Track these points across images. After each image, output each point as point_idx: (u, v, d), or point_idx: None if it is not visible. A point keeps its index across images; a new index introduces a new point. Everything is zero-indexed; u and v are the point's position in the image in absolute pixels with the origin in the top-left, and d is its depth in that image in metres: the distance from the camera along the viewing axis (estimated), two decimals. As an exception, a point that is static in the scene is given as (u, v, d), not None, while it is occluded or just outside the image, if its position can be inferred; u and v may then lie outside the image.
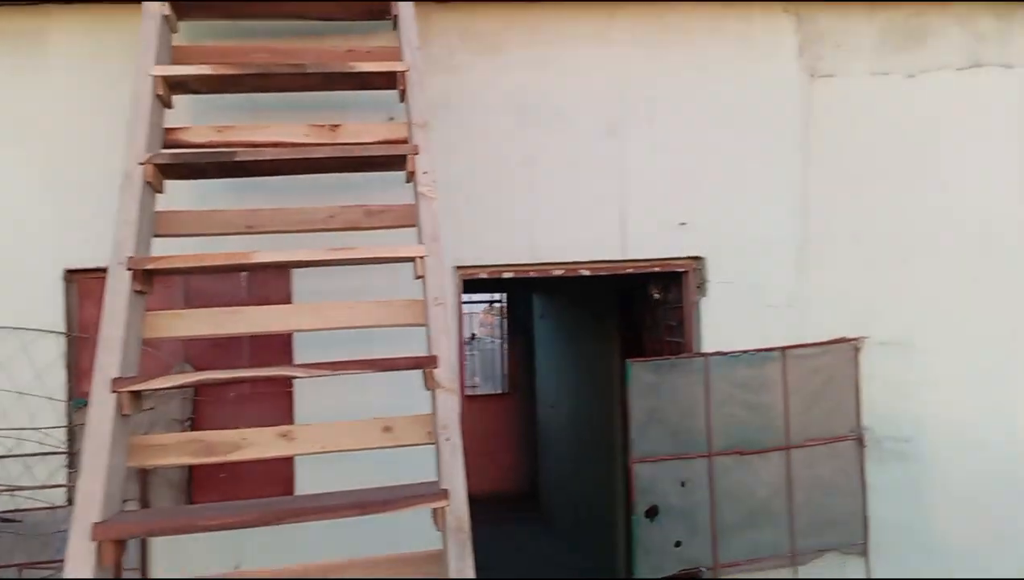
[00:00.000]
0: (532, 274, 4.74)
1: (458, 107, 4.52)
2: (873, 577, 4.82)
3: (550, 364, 10.51)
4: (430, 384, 2.90)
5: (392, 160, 3.27)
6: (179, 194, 3.43)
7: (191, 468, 4.15)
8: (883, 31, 4.88)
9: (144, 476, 4.14)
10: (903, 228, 4.89)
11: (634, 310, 6.84)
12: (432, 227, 3.10)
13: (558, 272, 4.75)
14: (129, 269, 2.78)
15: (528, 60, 4.60)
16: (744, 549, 4.67)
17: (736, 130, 4.78)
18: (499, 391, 12.82)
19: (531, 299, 11.52)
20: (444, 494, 2.71)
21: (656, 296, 5.54)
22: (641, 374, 4.58)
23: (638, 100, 4.70)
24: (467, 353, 16.73)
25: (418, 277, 3.10)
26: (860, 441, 4.84)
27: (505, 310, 12.66)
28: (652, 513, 4.58)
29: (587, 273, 4.79)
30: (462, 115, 4.53)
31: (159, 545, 4.11)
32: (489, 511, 11.06)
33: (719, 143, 4.77)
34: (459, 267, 4.56)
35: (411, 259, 3.08)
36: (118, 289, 2.75)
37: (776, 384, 4.74)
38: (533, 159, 4.62)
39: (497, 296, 12.72)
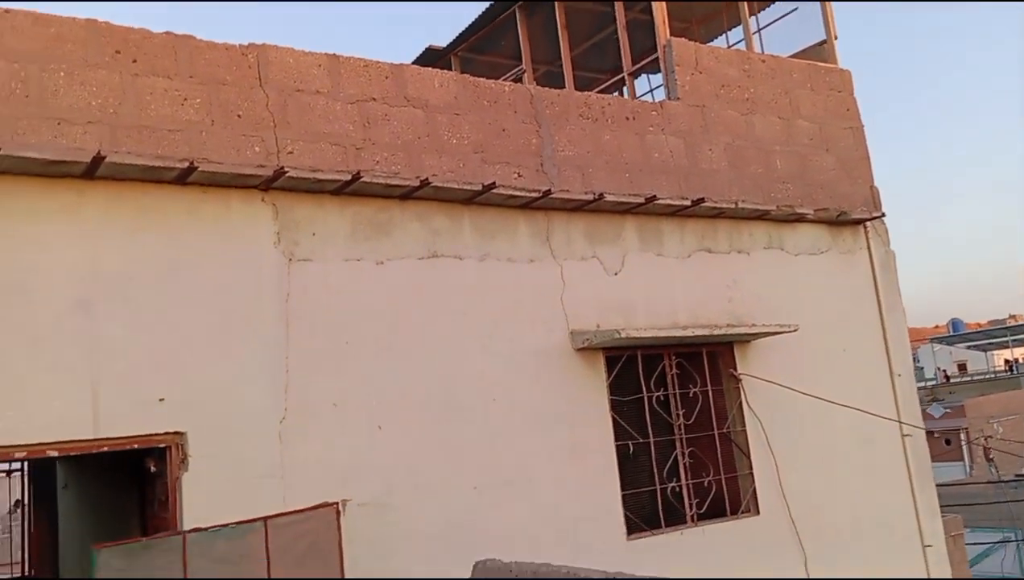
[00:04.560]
0: (-13, 460, 4.38)
1: None
2: None
3: (74, 541, 9.46)
4: None
5: None
6: None
7: None
8: (354, 222, 5.57)
9: None
10: (376, 397, 5.44)
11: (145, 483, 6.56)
12: None
13: (20, 455, 4.49)
14: None
15: (-16, 233, 4.42)
16: None
17: (218, 308, 5.02)
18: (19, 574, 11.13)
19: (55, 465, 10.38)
20: None
21: (152, 469, 5.41)
22: (110, 560, 4.38)
23: (114, 276, 4.73)
24: (14, 522, 14.40)
25: None
26: (341, 603, 5.09)
27: (27, 478, 11.21)
28: None
29: (56, 454, 4.58)
30: None
31: None
32: None
33: (201, 320, 4.95)
34: None
35: None
36: None
37: (259, 555, 4.83)
38: (-12, 335, 4.36)
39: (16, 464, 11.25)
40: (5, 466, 11.47)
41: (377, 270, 5.60)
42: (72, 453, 4.59)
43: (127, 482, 7.74)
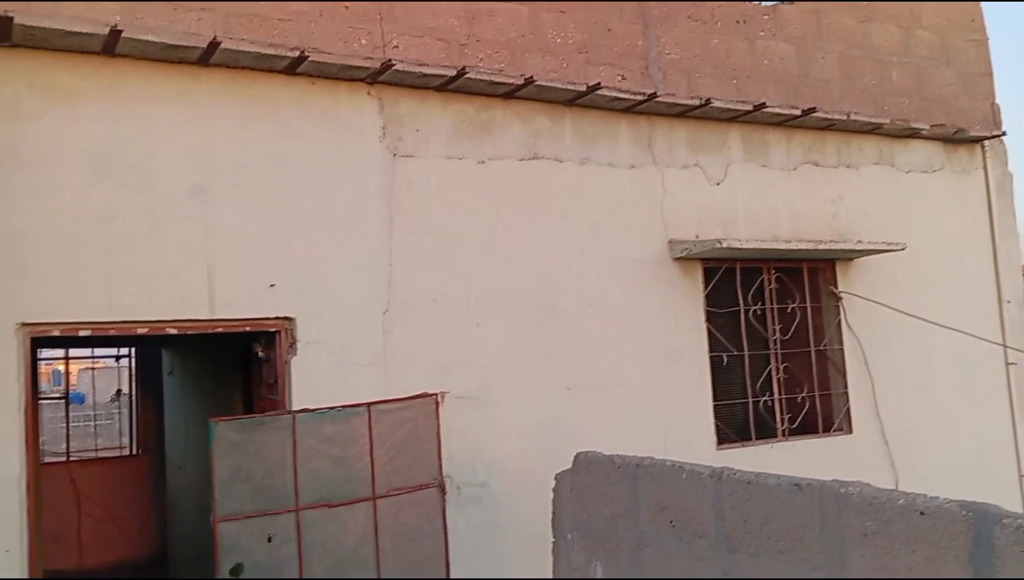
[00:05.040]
0: (113, 332, 4.62)
1: (24, 156, 4.33)
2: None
3: (178, 422, 10.06)
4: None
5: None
6: None
7: None
8: (457, 120, 5.54)
9: None
10: (475, 295, 5.51)
11: (250, 368, 6.86)
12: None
13: (142, 330, 4.68)
14: None
15: (107, 115, 4.55)
16: (333, 599, 4.85)
17: (325, 199, 5.11)
18: (127, 453, 11.93)
19: (160, 353, 10.98)
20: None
21: (260, 354, 5.64)
22: (226, 433, 4.61)
23: (226, 163, 4.84)
24: (115, 410, 15.34)
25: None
26: (441, 488, 5.27)
27: (134, 365, 11.89)
28: (237, 571, 4.58)
29: (175, 332, 4.77)
30: (29, 165, 4.34)
31: None
32: None
33: (308, 210, 5.05)
34: (25, 324, 4.32)
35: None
36: None
37: (362, 438, 5.01)
38: (113, 214, 4.55)
39: (124, 350, 11.92)
40: (114, 352, 12.18)
41: (478, 169, 5.59)
42: (189, 332, 4.79)
43: (230, 368, 8.12)
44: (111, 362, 13.68)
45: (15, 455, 4.29)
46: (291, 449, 4.77)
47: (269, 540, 4.70)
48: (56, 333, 4.48)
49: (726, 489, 3.19)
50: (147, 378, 11.59)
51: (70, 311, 4.47)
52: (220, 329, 4.86)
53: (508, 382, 5.57)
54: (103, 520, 11.00)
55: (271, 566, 4.68)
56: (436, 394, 5.29)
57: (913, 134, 7.38)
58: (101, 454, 12.89)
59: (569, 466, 4.05)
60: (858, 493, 2.71)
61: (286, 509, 4.74)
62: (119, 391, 15.00)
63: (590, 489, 3.91)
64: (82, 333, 4.55)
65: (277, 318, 4.98)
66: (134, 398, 11.86)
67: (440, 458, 5.27)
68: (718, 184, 6.50)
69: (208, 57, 4.76)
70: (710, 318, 6.35)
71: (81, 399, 20.45)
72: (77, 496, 10.94)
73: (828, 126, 6.94)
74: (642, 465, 3.64)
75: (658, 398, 6.04)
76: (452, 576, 5.20)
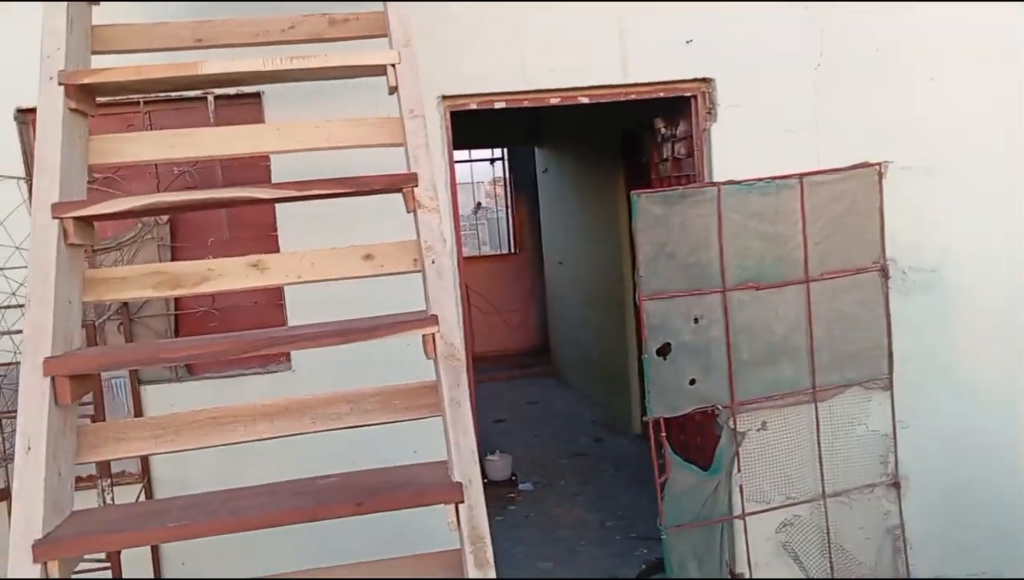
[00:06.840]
0: (526, 103, 4.39)
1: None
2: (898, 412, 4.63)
3: (556, 219, 10.24)
4: (410, 204, 2.62)
5: (356, -42, 2.87)
6: (118, 9, 3.07)
7: (176, 317, 3.96)
8: None
9: (129, 330, 3.95)
10: (927, 44, 4.46)
11: (640, 148, 6.50)
12: (403, 32, 2.74)
13: (554, 100, 4.39)
14: (61, 84, 2.45)
15: None
16: (762, 386, 4.46)
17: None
18: (506, 251, 12.61)
19: (533, 154, 11.12)
20: (433, 319, 2.47)
21: (662, 129, 5.18)
22: (648, 207, 4.27)
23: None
24: (474, 222, 16.42)
25: (391, 90, 2.76)
26: (884, 272, 4.56)
27: (506, 167, 12.27)
28: (664, 351, 4.35)
29: (586, 100, 4.43)
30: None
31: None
32: (501, 368, 11.08)
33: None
34: (445, 97, 4.21)
35: (381, 70, 2.74)
36: (51, 107, 2.44)
37: (794, 213, 4.42)
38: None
39: (498, 152, 12.31)
40: (488, 153, 12.68)
41: None
42: (602, 100, 4.42)
43: (609, 157, 7.87)
44: (464, 179, 14.32)
45: (447, 232, 4.31)
46: (716, 224, 4.34)
47: (696, 322, 4.39)
48: (473, 105, 4.34)
49: None
50: (520, 180, 11.95)
51: (485, 82, 4.27)
52: (632, 95, 4.43)
53: (967, 149, 4.55)
54: (489, 312, 11.86)
55: (698, 348, 4.39)
56: (879, 164, 4.49)
57: None
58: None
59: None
60: None
61: (712, 289, 4.37)
62: (479, 204, 15.84)
63: None
64: (497, 105, 4.37)
65: (694, 80, 4.41)
66: (509, 199, 12.34)
67: (883, 238, 4.54)
68: None
69: None
70: None
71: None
72: (466, 290, 11.81)
73: None
74: None
75: None
76: (895, 366, 4.57)
